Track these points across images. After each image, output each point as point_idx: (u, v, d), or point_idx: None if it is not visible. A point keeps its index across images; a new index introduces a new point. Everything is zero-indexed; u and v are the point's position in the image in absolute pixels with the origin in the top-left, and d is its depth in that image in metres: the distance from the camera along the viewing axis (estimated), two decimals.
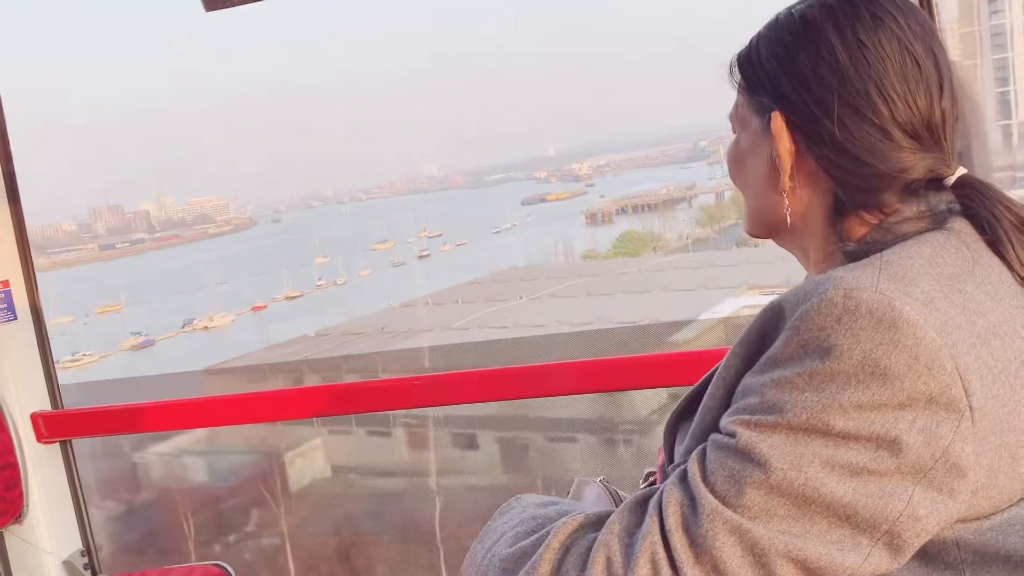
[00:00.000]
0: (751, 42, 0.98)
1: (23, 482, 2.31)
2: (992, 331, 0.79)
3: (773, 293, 0.83)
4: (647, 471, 1.19)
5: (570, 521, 0.84)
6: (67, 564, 2.41)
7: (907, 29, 0.88)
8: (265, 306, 33.32)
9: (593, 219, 43.35)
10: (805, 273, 1.02)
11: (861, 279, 0.78)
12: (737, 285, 15.37)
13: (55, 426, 2.42)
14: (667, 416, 1.03)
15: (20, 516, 2.32)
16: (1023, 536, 0.80)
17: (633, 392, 3.66)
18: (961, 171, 0.91)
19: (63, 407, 2.43)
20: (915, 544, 0.77)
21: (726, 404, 0.85)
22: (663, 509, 0.77)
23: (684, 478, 0.79)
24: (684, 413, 0.98)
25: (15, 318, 2.34)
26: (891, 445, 0.73)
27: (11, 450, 2.31)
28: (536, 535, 0.86)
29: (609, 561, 0.77)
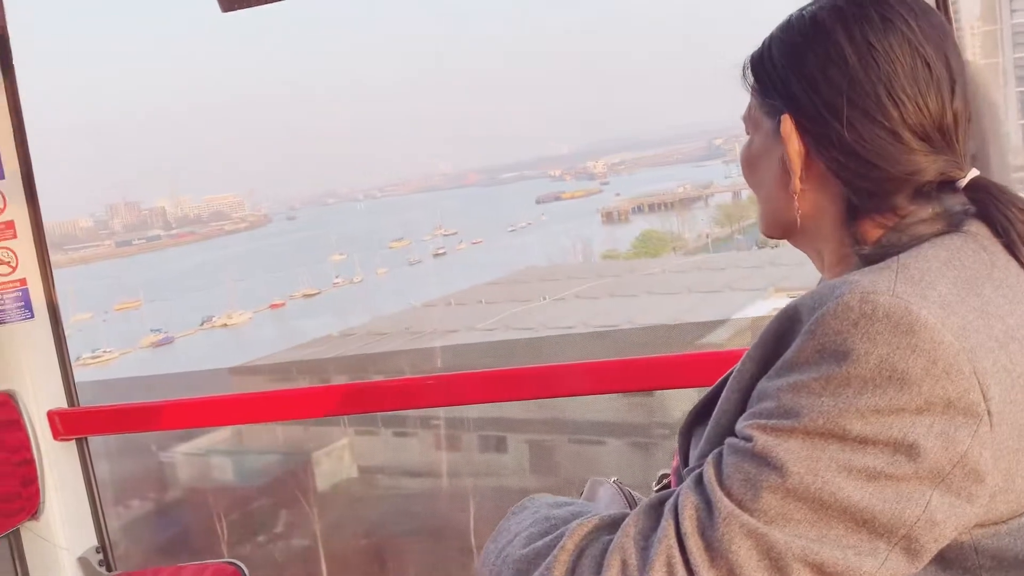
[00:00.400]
0: (763, 43, 0.97)
1: (39, 479, 2.33)
2: (1010, 335, 0.79)
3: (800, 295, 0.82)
4: (660, 473, 1.19)
5: (585, 523, 0.83)
6: (82, 561, 2.43)
7: (918, 31, 0.87)
8: (283, 304, 33.45)
9: (609, 218, 43.23)
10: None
11: (878, 283, 0.77)
12: (764, 287, 15.21)
13: (71, 423, 2.43)
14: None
15: (36, 513, 2.35)
16: None
17: (665, 394, 3.63)
18: (974, 173, 0.90)
19: (79, 405, 2.46)
20: (933, 549, 0.76)
21: (741, 407, 0.84)
22: (679, 512, 0.77)
23: (700, 481, 0.79)
24: (699, 416, 0.98)
25: (32, 316, 2.36)
26: (909, 450, 0.73)
27: (28, 447, 2.33)
28: (550, 536, 0.85)
29: (624, 564, 0.76)
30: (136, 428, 2.69)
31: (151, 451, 4.48)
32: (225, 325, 31.05)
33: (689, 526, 0.76)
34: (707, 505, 0.76)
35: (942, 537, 0.76)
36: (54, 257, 2.50)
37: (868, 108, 0.87)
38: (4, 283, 2.27)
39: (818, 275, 1.03)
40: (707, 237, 35.70)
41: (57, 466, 2.38)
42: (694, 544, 0.75)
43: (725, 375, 0.95)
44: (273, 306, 33.24)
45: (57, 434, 2.38)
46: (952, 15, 1.66)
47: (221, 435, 4.80)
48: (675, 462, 1.07)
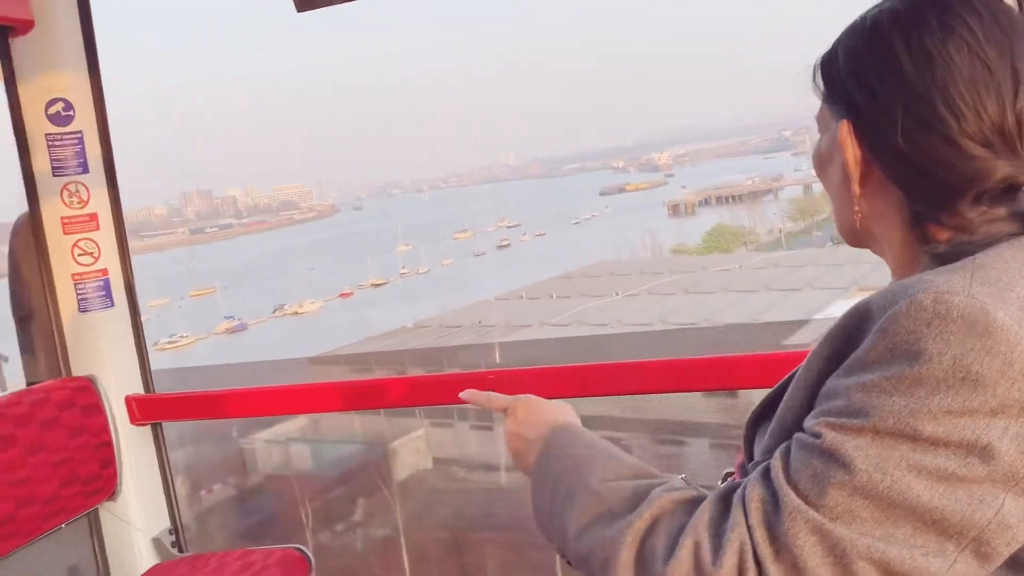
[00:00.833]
0: (832, 46, 0.95)
1: (117, 462, 2.41)
2: None
3: None
4: (725, 472, 1.18)
5: (668, 496, 0.84)
6: (156, 541, 2.51)
7: (980, 34, 0.85)
8: (351, 293, 34.00)
9: (675, 211, 42.62)
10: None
11: (952, 283, 0.76)
12: (847, 286, 14.64)
13: (147, 409, 2.49)
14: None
15: (114, 494, 2.43)
16: None
17: (750, 395, 3.56)
18: None
19: (154, 391, 2.54)
20: (1005, 552, 0.74)
21: (807, 404, 0.83)
22: (746, 504, 0.77)
23: (767, 475, 0.79)
24: (764, 412, 0.98)
25: (112, 305, 2.43)
26: (982, 452, 0.72)
27: (107, 431, 2.41)
28: (625, 496, 0.86)
29: (697, 546, 0.77)
30: (208, 415, 2.76)
31: (231, 437, 4.60)
32: (296, 313, 31.70)
33: (756, 518, 0.76)
34: (773, 499, 0.76)
35: (1015, 541, 0.74)
36: (130, 243, 2.57)
37: (925, 117, 0.84)
38: (87, 273, 2.36)
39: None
40: (780, 232, 34.86)
41: (133, 450, 2.45)
42: (760, 536, 0.75)
43: (790, 373, 0.94)
44: (342, 295, 33.79)
45: (134, 419, 2.45)
46: None
47: (298, 423, 4.89)
48: (739, 458, 1.07)
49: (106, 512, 2.43)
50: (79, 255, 2.34)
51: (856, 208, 0.93)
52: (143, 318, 2.57)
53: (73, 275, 2.35)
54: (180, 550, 2.52)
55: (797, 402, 0.86)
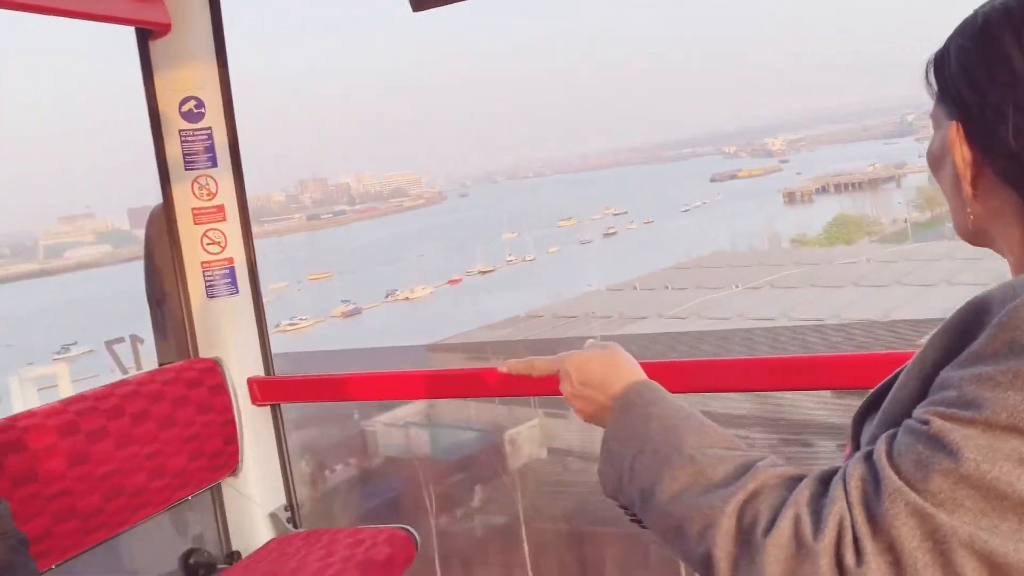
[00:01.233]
0: (944, 44, 0.96)
1: (239, 440, 2.56)
2: None
3: None
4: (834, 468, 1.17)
5: (771, 471, 0.84)
6: (273, 516, 2.65)
7: None
8: (460, 280, 34.52)
9: (791, 198, 41.06)
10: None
11: None
12: (986, 282, 13.98)
13: (268, 390, 2.56)
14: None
15: (236, 470, 2.58)
16: None
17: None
18: None
19: (275, 374, 2.68)
20: None
21: (919, 395, 0.83)
22: (847, 483, 0.77)
23: (869, 457, 0.78)
24: (874, 402, 0.95)
25: (237, 292, 2.58)
26: None
27: (230, 410, 2.56)
28: (729, 466, 0.86)
29: (798, 519, 0.77)
30: (324, 398, 2.88)
31: (353, 419, 4.75)
32: (407, 299, 32.45)
33: (856, 496, 0.75)
34: (875, 479, 0.75)
35: None
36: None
37: None
38: (214, 262, 2.50)
39: None
40: (906, 222, 33.14)
41: (254, 429, 2.60)
42: (859, 514, 0.74)
43: (898, 369, 0.92)
44: (451, 282, 34.35)
45: (255, 399, 2.59)
46: None
47: (415, 408, 5.02)
48: (847, 450, 1.06)
49: (228, 486, 2.58)
50: (207, 244, 2.49)
51: (968, 210, 0.91)
52: (264, 301, 2.71)
53: (202, 263, 2.49)
54: (295, 526, 2.64)
55: (907, 392, 0.84)
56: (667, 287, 18.84)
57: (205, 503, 2.56)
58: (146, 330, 2.63)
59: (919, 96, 0.97)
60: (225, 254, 2.51)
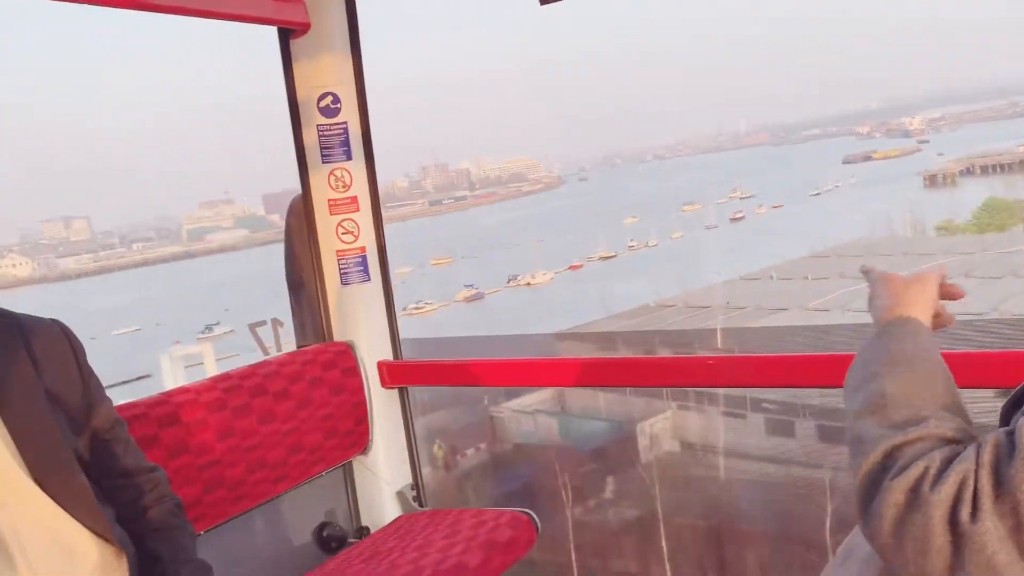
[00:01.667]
0: None
1: (369, 420, 2.68)
2: None
3: None
4: None
5: (937, 429, 0.87)
6: (400, 494, 2.77)
7: None
8: (581, 265, 34.35)
9: (932, 181, 38.56)
10: None
11: None
12: None
13: (396, 374, 2.66)
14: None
15: (366, 449, 2.71)
16: None
17: None
18: None
19: (402, 358, 2.78)
20: None
21: None
22: (981, 446, 0.80)
23: (1010, 431, 0.80)
24: (1020, 399, 0.97)
25: (369, 279, 2.71)
26: None
27: (362, 391, 2.61)
28: (913, 415, 0.90)
29: (926, 471, 0.81)
30: (449, 382, 2.97)
31: (483, 404, 4.84)
32: (529, 284, 32.57)
33: (987, 458, 0.78)
34: (1010, 445, 0.78)
35: None
36: None
37: None
38: (348, 250, 2.63)
39: None
40: None
41: (383, 410, 2.71)
42: (986, 475, 0.77)
43: None
44: (572, 267, 34.19)
45: (384, 382, 2.70)
46: None
47: (542, 395, 5.06)
48: None
49: (359, 464, 2.71)
50: (342, 233, 2.61)
51: None
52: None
53: (337, 251, 2.62)
54: (421, 504, 2.74)
55: None
56: (806, 277, 17.82)
57: (337, 479, 2.70)
58: (277, 310, 2.79)
59: None
60: (358, 243, 2.63)
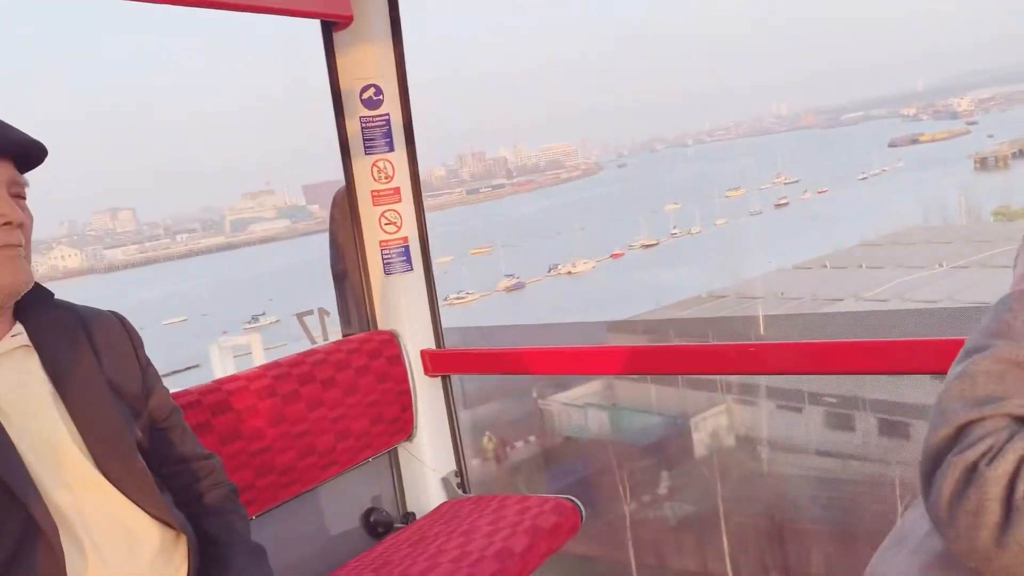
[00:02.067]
0: None
1: (413, 407, 2.71)
2: None
3: None
4: None
5: (1011, 408, 0.86)
6: (444, 480, 2.74)
7: None
8: (623, 254, 34.03)
9: (984, 164, 37.44)
10: None
11: None
12: None
13: (439, 362, 2.69)
14: None
15: (411, 435, 2.74)
16: None
17: None
18: None
19: (444, 347, 2.82)
20: None
21: None
22: None
23: None
24: None
25: (411, 269, 2.64)
26: None
27: (406, 379, 2.61)
28: (996, 393, 0.88)
29: (990, 449, 0.81)
30: (492, 370, 2.99)
31: (531, 396, 4.82)
32: (570, 273, 32.36)
33: None
34: None
35: None
36: None
37: None
38: (391, 240, 2.66)
39: None
40: None
41: (427, 398, 2.74)
42: None
43: None
44: (614, 255, 33.86)
45: (427, 370, 2.73)
46: None
47: (593, 387, 5.02)
48: None
49: (404, 451, 2.74)
50: (385, 224, 2.64)
51: None
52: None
53: (380, 242, 2.65)
54: (464, 491, 2.78)
55: None
56: (861, 265, 17.39)
57: (383, 466, 2.74)
58: (321, 299, 2.83)
59: None
60: (401, 233, 2.66)
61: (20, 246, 1.31)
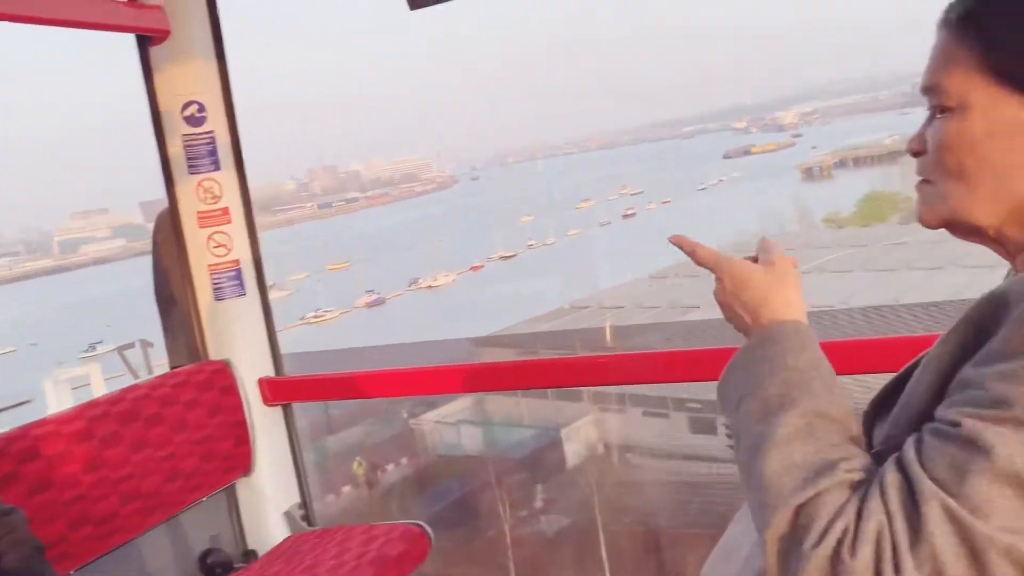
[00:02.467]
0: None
1: (251, 440, 2.59)
2: None
3: None
4: None
5: (847, 475, 0.79)
6: (287, 515, 2.68)
7: None
8: (482, 266, 34.05)
9: (809, 174, 40.10)
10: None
11: None
12: None
13: (278, 390, 2.59)
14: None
15: (249, 470, 2.61)
16: None
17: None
18: None
19: (284, 374, 2.69)
20: None
21: (936, 391, 0.81)
22: (884, 493, 0.75)
23: (902, 465, 0.76)
24: (885, 399, 0.95)
25: (244, 293, 2.51)
26: None
27: (241, 411, 2.52)
28: (820, 457, 0.81)
29: (845, 532, 0.74)
30: (335, 396, 2.90)
31: (402, 418, 4.66)
32: (431, 286, 32.08)
33: (894, 504, 0.74)
34: (910, 487, 0.74)
35: None
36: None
37: None
38: (221, 264, 2.52)
39: None
40: None
41: (267, 429, 2.62)
42: (899, 524, 0.73)
43: (914, 360, 0.92)
44: (473, 268, 33.85)
45: (267, 400, 2.61)
46: None
47: (464, 403, 4.93)
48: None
49: (243, 487, 2.61)
50: (214, 247, 2.50)
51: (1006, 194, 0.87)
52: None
53: (209, 266, 2.51)
54: (310, 524, 2.67)
55: (924, 387, 0.83)
56: (712, 273, 18.55)
57: (220, 504, 2.59)
58: (156, 333, 2.65)
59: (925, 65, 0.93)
60: (231, 256, 2.53)
61: None
